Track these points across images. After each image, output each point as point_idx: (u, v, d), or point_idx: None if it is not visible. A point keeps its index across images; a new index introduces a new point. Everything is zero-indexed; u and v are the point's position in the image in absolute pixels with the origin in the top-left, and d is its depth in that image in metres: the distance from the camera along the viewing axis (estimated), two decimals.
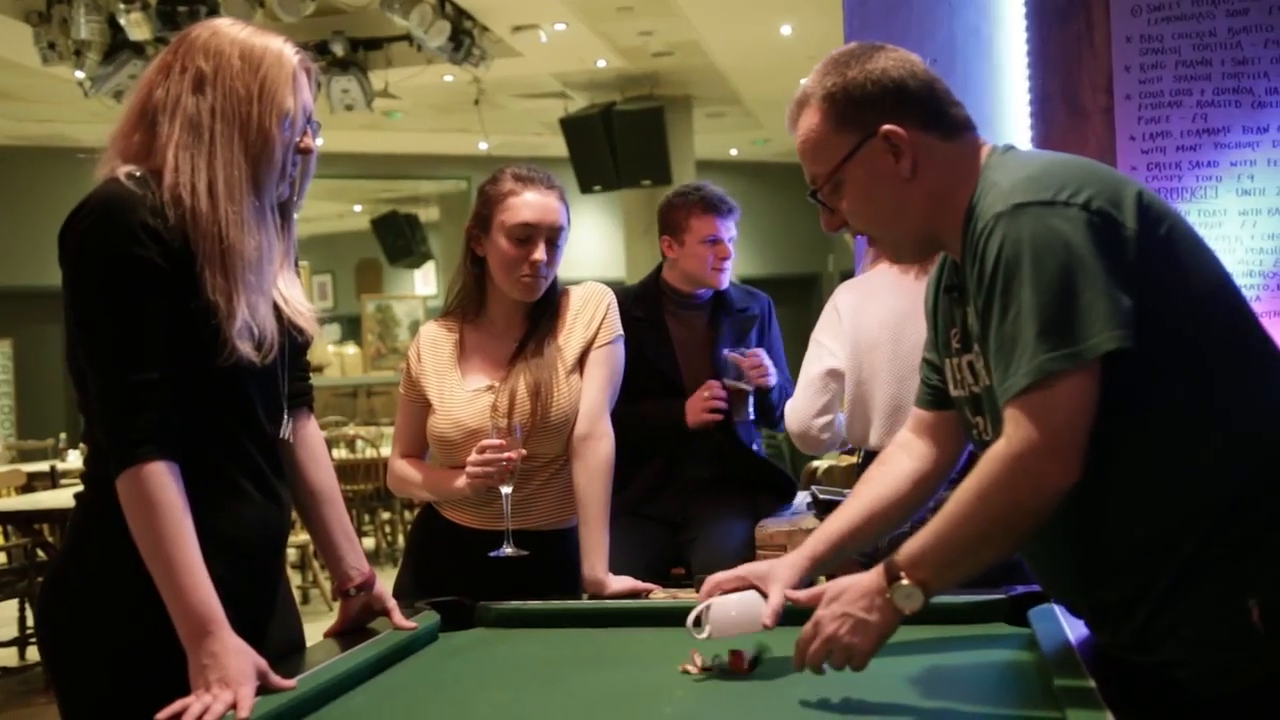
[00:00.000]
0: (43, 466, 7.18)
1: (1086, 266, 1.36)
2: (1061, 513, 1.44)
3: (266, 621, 1.75)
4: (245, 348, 1.63)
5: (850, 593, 1.50)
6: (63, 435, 9.08)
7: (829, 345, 2.91)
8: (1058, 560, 1.55)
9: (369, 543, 8.92)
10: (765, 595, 1.71)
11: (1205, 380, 1.43)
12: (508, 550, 2.27)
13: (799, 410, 2.97)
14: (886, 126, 1.55)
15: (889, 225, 1.62)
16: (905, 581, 1.45)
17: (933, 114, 1.58)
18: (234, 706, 1.45)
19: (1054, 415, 1.36)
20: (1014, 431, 1.38)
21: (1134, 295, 1.37)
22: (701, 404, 3.12)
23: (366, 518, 8.77)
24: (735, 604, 1.72)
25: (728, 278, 3.28)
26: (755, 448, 3.34)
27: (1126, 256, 1.39)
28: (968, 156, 1.58)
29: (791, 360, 3.34)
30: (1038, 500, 1.39)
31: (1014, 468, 1.38)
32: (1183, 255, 1.45)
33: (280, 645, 1.76)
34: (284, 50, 1.70)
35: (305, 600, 7.02)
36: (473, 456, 2.26)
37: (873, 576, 1.49)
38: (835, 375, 2.91)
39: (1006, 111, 3.34)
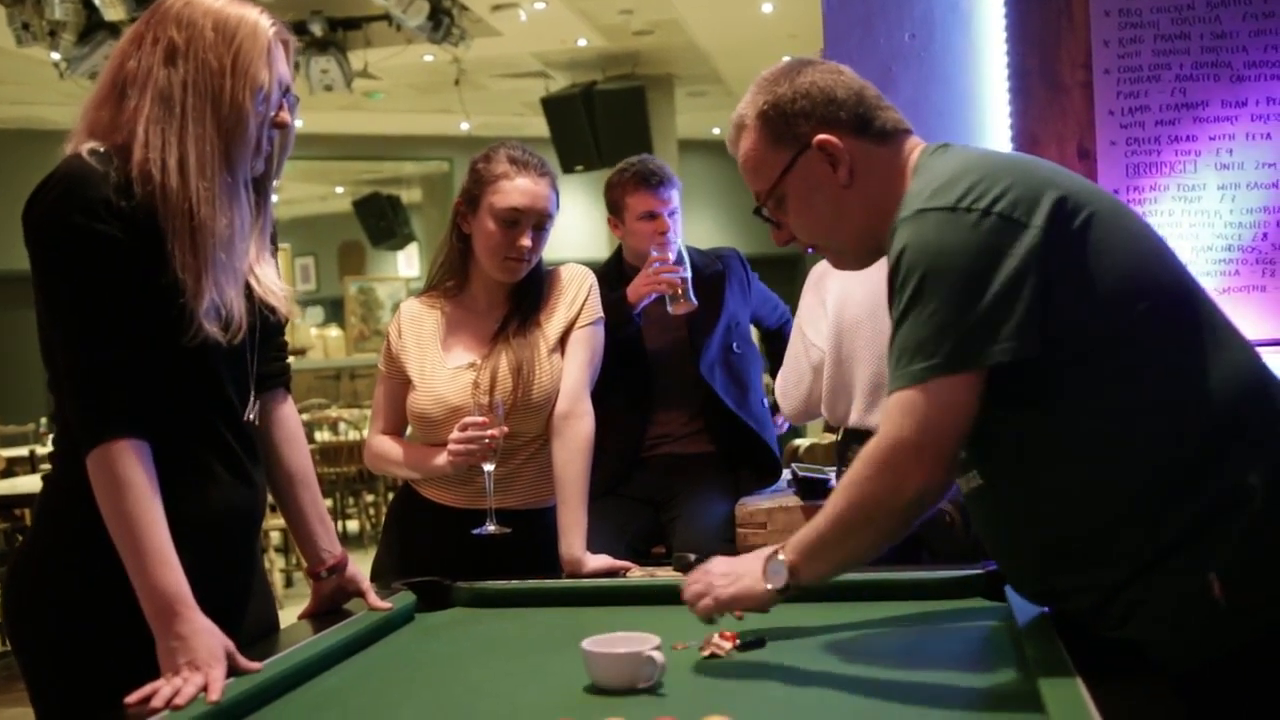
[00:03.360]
0: (22, 451, 7.14)
1: (975, 276, 1.39)
2: (1010, 505, 1.48)
3: (239, 604, 1.74)
4: (212, 328, 1.60)
5: (749, 555, 1.61)
6: (43, 420, 9.03)
7: (812, 338, 2.91)
8: (1015, 549, 1.56)
9: (353, 525, 8.91)
10: None
11: (1138, 367, 1.43)
12: (491, 528, 2.26)
13: (793, 400, 3.00)
14: (820, 136, 1.59)
15: (831, 233, 1.66)
16: (781, 558, 1.54)
17: (863, 120, 1.61)
18: (205, 689, 1.44)
19: (921, 417, 1.41)
20: (884, 429, 1.44)
21: (1033, 297, 1.39)
22: (646, 278, 2.98)
23: (350, 500, 8.76)
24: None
25: (675, 250, 3.15)
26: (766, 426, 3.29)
27: (1028, 258, 1.40)
28: (900, 159, 1.61)
29: None
30: (898, 498, 1.44)
31: (878, 462, 1.44)
32: (1102, 246, 1.44)
33: (253, 628, 1.75)
34: (259, 21, 1.65)
35: (289, 583, 7.01)
36: (455, 434, 2.25)
37: (768, 548, 1.58)
38: (823, 366, 2.92)
39: (985, 87, 3.32)
